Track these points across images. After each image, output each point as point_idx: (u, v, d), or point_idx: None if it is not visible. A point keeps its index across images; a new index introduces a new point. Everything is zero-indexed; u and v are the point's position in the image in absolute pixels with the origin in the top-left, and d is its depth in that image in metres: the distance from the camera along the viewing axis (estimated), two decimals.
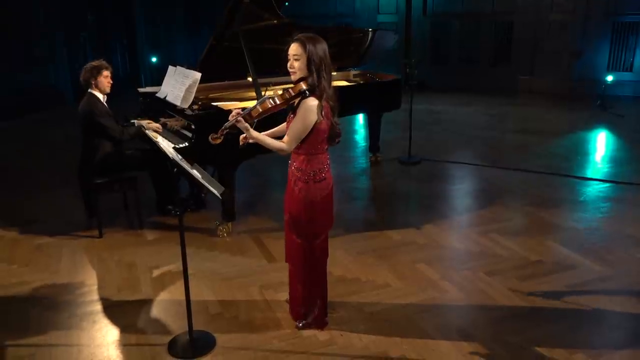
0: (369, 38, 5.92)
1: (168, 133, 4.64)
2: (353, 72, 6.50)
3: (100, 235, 4.53)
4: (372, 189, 5.95)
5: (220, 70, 5.23)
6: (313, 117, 2.77)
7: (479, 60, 12.03)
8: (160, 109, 4.93)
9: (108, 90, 4.52)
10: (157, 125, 4.70)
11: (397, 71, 11.15)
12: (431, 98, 10.77)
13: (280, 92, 2.79)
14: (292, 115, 2.87)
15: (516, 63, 11.58)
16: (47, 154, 7.26)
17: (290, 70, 2.80)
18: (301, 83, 2.77)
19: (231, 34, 4.77)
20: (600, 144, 7.66)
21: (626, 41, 10.52)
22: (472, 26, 11.90)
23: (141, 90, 5.33)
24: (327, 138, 2.91)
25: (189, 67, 4.78)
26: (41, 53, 10.43)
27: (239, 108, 2.83)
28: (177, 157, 2.78)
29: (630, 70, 10.60)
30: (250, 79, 4.87)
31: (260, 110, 2.78)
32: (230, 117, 2.79)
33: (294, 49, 2.77)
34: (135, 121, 5.03)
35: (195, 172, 2.72)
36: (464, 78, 11.92)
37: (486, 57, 11.95)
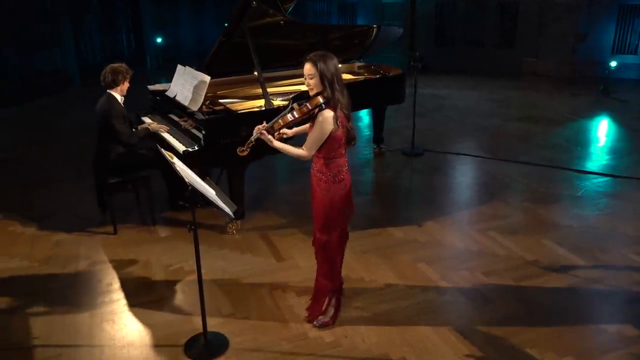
0: (374, 33, 6.00)
1: (179, 133, 4.78)
2: (357, 64, 6.58)
3: (115, 232, 4.73)
4: (375, 182, 6.11)
5: (227, 66, 5.34)
6: (329, 127, 3.05)
7: (484, 42, 12.01)
8: (170, 107, 5.07)
9: (125, 93, 4.67)
10: (162, 127, 4.84)
11: (402, 53, 11.22)
12: (435, 81, 10.83)
13: (299, 105, 3.11)
14: (310, 125, 3.17)
15: (521, 45, 11.57)
16: (56, 143, 7.45)
17: (307, 87, 3.11)
18: (318, 97, 3.06)
19: (239, 31, 4.86)
20: (602, 134, 7.76)
21: (632, 24, 10.49)
22: (477, 7, 11.84)
23: (151, 88, 5.45)
24: (344, 143, 3.17)
25: (197, 68, 4.91)
26: (46, 36, 10.46)
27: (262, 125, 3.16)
28: (192, 176, 2.94)
29: (635, 53, 10.61)
30: (256, 73, 4.97)
31: (282, 123, 3.13)
32: (255, 130, 3.13)
33: (307, 68, 3.06)
34: (146, 118, 5.19)
35: (209, 192, 2.88)
36: (469, 60, 11.93)
37: (491, 38, 11.93)
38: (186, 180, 2.80)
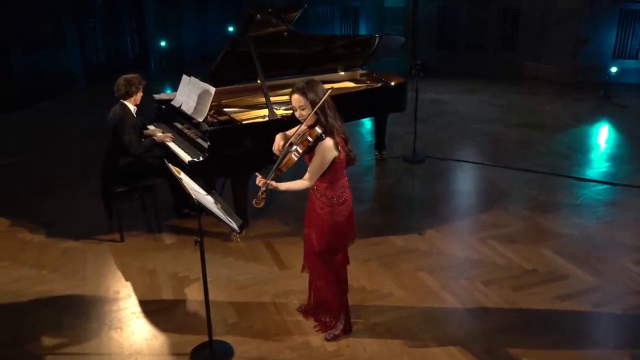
0: (376, 42, 6.07)
1: (184, 142, 4.87)
2: (360, 71, 6.66)
3: (122, 240, 4.82)
4: (377, 190, 6.20)
5: (232, 75, 5.42)
6: (331, 155, 3.08)
7: (486, 46, 12.06)
8: (175, 115, 5.15)
9: (139, 102, 4.77)
10: (167, 135, 4.93)
11: (403, 57, 11.28)
12: (436, 85, 10.87)
13: (299, 141, 3.06)
14: (308, 155, 3.14)
15: (522, 49, 11.62)
16: (60, 147, 7.53)
17: (300, 119, 3.09)
18: (316, 128, 3.05)
19: (243, 41, 4.94)
20: (602, 140, 7.83)
21: (633, 29, 10.56)
22: (479, 11, 11.89)
23: (157, 97, 5.53)
24: (345, 165, 3.22)
25: (202, 78, 5.00)
26: (51, 37, 10.51)
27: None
28: (198, 191, 3.03)
29: (636, 58, 10.67)
30: (259, 81, 5.04)
31: (288, 164, 3.08)
32: (259, 183, 3.06)
33: (296, 99, 3.05)
34: (151, 126, 5.28)
35: (215, 207, 2.96)
36: (470, 64, 11.98)
37: (492, 43, 11.98)
38: (193, 195, 2.89)
